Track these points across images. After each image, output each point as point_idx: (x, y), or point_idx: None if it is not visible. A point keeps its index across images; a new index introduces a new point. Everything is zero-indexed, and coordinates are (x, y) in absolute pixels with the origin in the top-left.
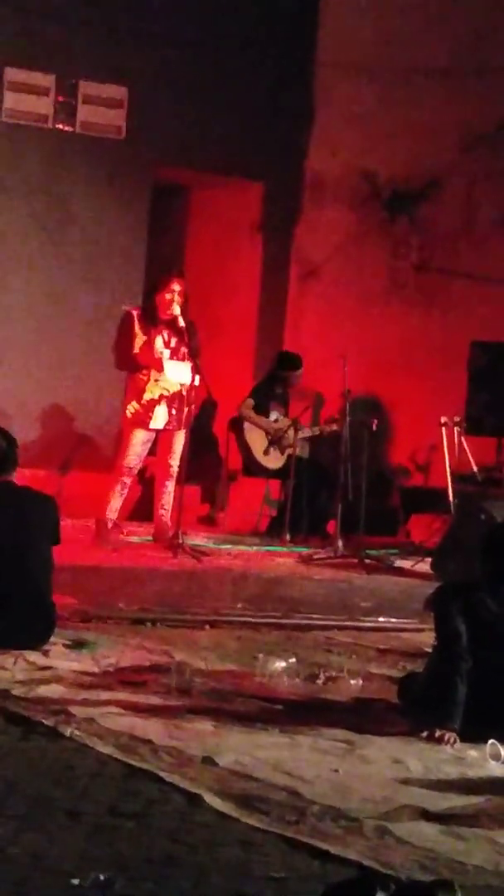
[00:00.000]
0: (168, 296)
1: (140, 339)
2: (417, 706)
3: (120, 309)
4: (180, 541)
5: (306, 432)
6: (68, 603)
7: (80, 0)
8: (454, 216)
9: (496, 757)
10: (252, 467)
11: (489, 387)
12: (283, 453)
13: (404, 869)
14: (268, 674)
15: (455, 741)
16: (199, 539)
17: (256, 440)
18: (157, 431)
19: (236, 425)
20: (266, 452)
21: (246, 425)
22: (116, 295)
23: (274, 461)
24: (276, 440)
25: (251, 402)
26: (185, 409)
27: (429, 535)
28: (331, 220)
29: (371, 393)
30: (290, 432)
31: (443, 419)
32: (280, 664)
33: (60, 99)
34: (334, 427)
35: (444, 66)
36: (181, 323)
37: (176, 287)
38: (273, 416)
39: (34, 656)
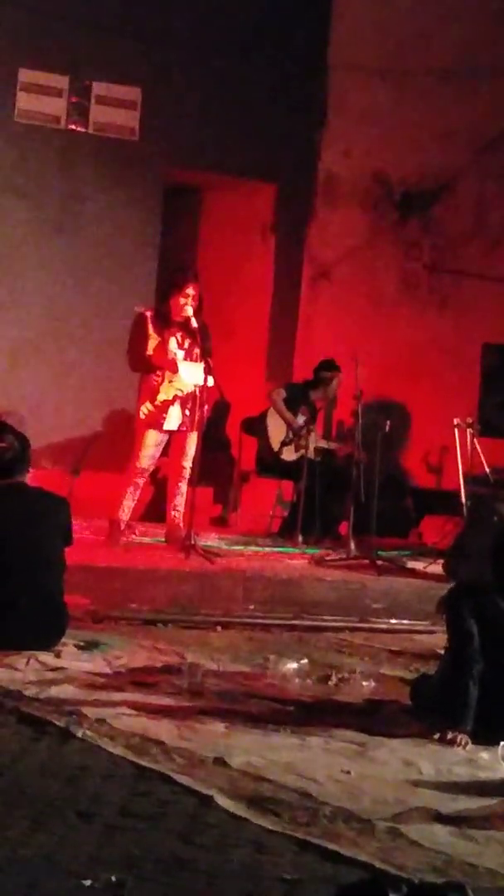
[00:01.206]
0: (182, 299)
1: (153, 341)
2: (429, 708)
3: (133, 310)
4: (192, 542)
5: (321, 443)
6: (80, 603)
7: (92, 1)
8: (466, 218)
9: None
10: (267, 458)
11: (502, 388)
12: (296, 451)
13: (416, 871)
14: (279, 675)
15: (467, 743)
16: (211, 540)
17: (276, 431)
18: (171, 432)
19: (254, 421)
20: (283, 446)
21: (270, 413)
22: (129, 296)
23: (289, 454)
24: (294, 438)
25: (283, 392)
26: (198, 411)
27: (441, 537)
28: (343, 222)
29: (383, 394)
30: (307, 436)
31: (455, 421)
32: (292, 665)
33: (73, 100)
34: (348, 449)
35: (456, 67)
36: (194, 324)
37: (190, 291)
38: (300, 419)
39: (46, 657)
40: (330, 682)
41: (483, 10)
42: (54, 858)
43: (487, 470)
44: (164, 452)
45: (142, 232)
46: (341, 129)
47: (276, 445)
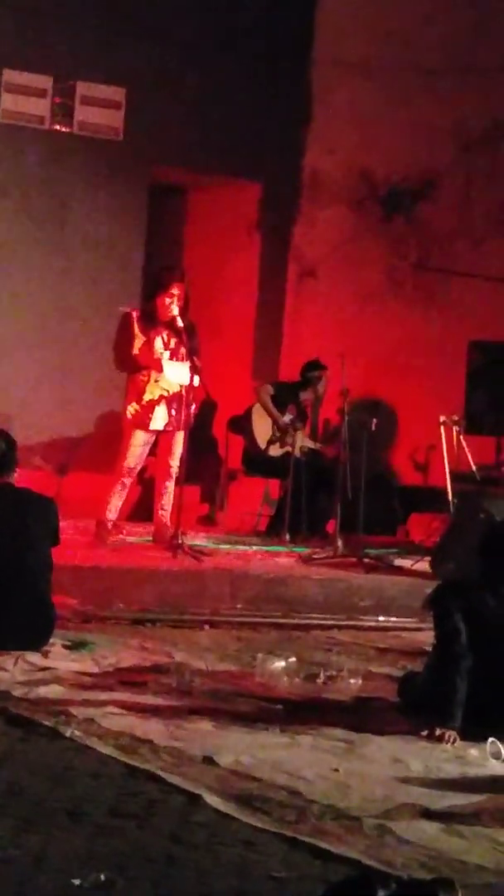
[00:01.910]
0: (168, 298)
1: (139, 340)
2: (417, 705)
3: (118, 309)
4: (180, 541)
5: (308, 442)
6: (68, 603)
7: (77, 1)
8: (452, 215)
9: (496, 755)
10: (253, 454)
11: (488, 386)
12: (282, 448)
13: (405, 867)
14: (267, 673)
15: (455, 740)
16: (198, 539)
17: (262, 427)
18: (157, 432)
19: (240, 419)
20: (269, 444)
21: (255, 410)
22: (115, 295)
23: (274, 450)
24: (281, 436)
25: (271, 389)
26: (185, 410)
27: (428, 535)
28: (328, 220)
29: (370, 392)
30: (293, 433)
31: (441, 418)
32: (280, 664)
33: (58, 100)
34: (331, 452)
35: (441, 65)
36: (180, 323)
37: (175, 290)
38: (287, 417)
39: (34, 657)
40: (318, 681)
41: (468, 8)
42: (44, 858)
43: (473, 467)
44: (152, 452)
45: (127, 231)
46: (326, 127)
47: (262, 443)
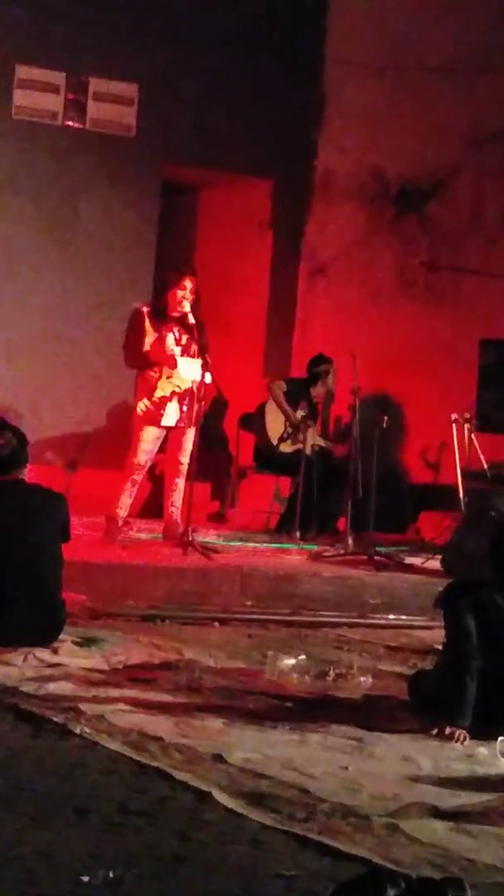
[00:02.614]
0: (180, 293)
1: (150, 337)
2: (428, 703)
3: (129, 306)
4: (190, 538)
5: (319, 440)
6: (78, 600)
7: None
8: (463, 214)
9: None
10: (264, 451)
11: (499, 384)
12: (294, 444)
13: (414, 866)
14: (277, 671)
15: (465, 738)
16: (208, 536)
17: (274, 424)
18: (168, 429)
19: (251, 416)
20: (281, 440)
21: (268, 406)
22: (125, 292)
23: (286, 446)
24: (293, 433)
25: (284, 385)
26: (196, 406)
27: (439, 533)
28: (340, 218)
29: (381, 390)
30: (305, 430)
31: (453, 416)
32: (290, 661)
33: (70, 96)
34: (342, 452)
35: (452, 64)
36: (191, 320)
37: (188, 284)
38: (299, 413)
39: (44, 653)
40: (328, 678)
41: (479, 6)
42: (52, 855)
43: (485, 465)
44: (162, 448)
45: (139, 228)
46: (338, 125)
47: (274, 439)
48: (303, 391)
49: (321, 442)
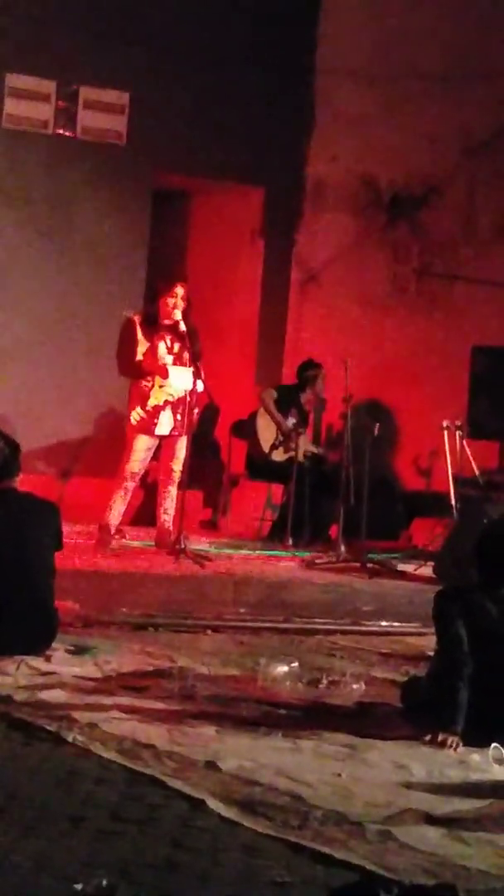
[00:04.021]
0: (170, 301)
1: (143, 345)
2: (420, 710)
3: (121, 314)
4: (182, 546)
5: (310, 447)
6: (70, 608)
7: (80, 6)
8: (455, 221)
9: (499, 760)
10: (257, 459)
11: (491, 391)
12: (286, 452)
13: (407, 873)
14: (270, 678)
15: (458, 745)
16: (201, 544)
17: (266, 432)
18: (162, 437)
19: (243, 424)
20: (273, 448)
21: (260, 414)
22: (117, 301)
23: (278, 455)
24: (284, 440)
25: (274, 393)
26: (189, 415)
27: (431, 540)
28: (331, 225)
29: (373, 397)
30: (297, 438)
31: (444, 423)
32: (282, 668)
33: (61, 105)
34: (334, 458)
35: (444, 71)
36: (183, 328)
37: (178, 292)
38: (290, 420)
39: (36, 662)
40: (321, 685)
41: (470, 14)
42: (45, 863)
43: (476, 472)
44: (155, 457)
45: (130, 236)
46: (329, 132)
47: (266, 447)
48: (293, 397)
49: (313, 448)
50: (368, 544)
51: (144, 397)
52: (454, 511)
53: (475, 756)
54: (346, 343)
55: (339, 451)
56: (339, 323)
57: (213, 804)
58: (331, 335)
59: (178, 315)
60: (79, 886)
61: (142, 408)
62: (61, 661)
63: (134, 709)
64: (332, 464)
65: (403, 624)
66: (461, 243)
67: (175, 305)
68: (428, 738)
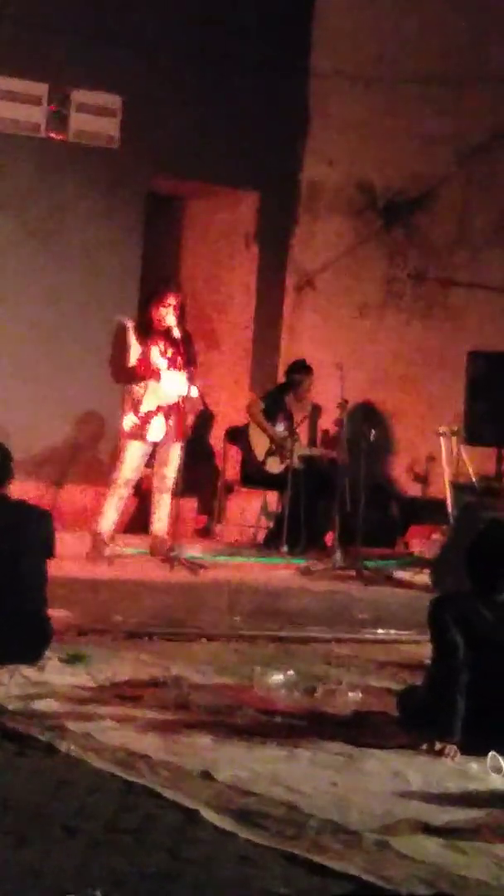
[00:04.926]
0: (163, 309)
1: (136, 351)
2: (417, 719)
3: (115, 320)
4: (177, 553)
5: (304, 451)
6: (64, 617)
7: (72, 8)
8: (450, 226)
9: (497, 769)
10: (252, 471)
11: (487, 396)
12: (282, 461)
13: (405, 883)
14: (266, 687)
15: (456, 754)
16: (195, 551)
17: (260, 442)
18: (155, 444)
19: (237, 431)
20: (267, 457)
21: (252, 426)
22: (111, 306)
23: (274, 466)
24: (277, 449)
25: (261, 403)
26: (182, 421)
27: (427, 546)
28: (326, 230)
29: (368, 403)
30: (289, 443)
31: (441, 429)
32: (278, 677)
33: (53, 108)
34: (332, 454)
35: (439, 75)
36: (176, 333)
37: (171, 301)
38: (279, 427)
39: (29, 671)
40: (316, 694)
41: (465, 18)
42: (39, 873)
43: (473, 478)
44: (148, 464)
45: (124, 241)
46: (324, 137)
47: (260, 456)
48: (280, 402)
49: (307, 451)
50: (364, 551)
51: (137, 403)
52: (451, 518)
53: (473, 765)
54: (342, 348)
55: (335, 452)
56: (334, 328)
57: (208, 814)
58: (326, 340)
59: (171, 321)
60: None
61: (134, 413)
62: (55, 671)
63: (128, 718)
64: (328, 462)
65: (400, 632)
66: (457, 247)
67: (168, 312)
68: (425, 746)
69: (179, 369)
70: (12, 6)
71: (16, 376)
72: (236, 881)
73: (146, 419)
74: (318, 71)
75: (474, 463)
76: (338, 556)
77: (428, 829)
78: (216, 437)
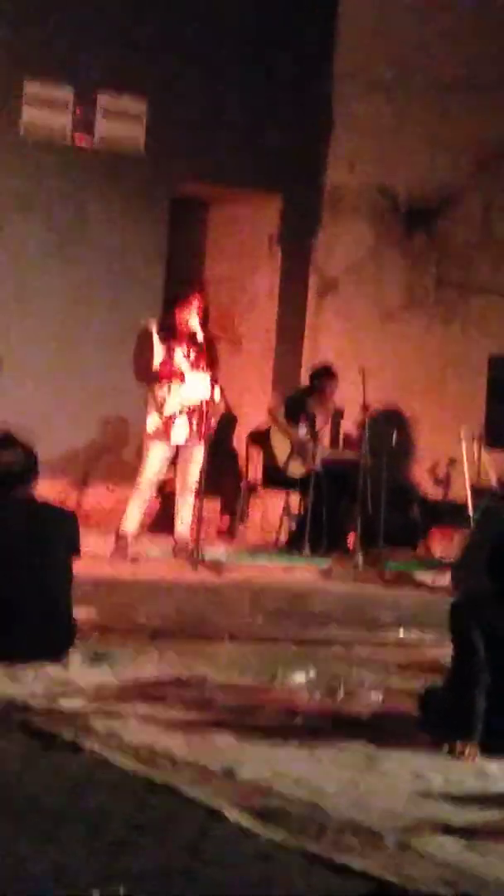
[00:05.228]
0: (187, 310)
1: (159, 353)
2: (438, 720)
3: (140, 323)
4: (200, 554)
5: (325, 453)
6: (88, 616)
7: (98, 13)
8: (472, 231)
9: None
10: (274, 474)
11: None
12: (304, 465)
13: (425, 884)
14: (288, 688)
15: (476, 755)
16: (218, 553)
17: (281, 447)
18: (178, 446)
19: (260, 434)
20: (289, 461)
21: (274, 429)
22: (135, 309)
23: (296, 470)
24: (299, 452)
25: (282, 409)
26: (205, 423)
27: (449, 549)
28: (349, 234)
29: (390, 407)
30: (311, 445)
31: (462, 433)
32: (300, 678)
33: (79, 113)
34: (354, 457)
35: (461, 81)
36: (200, 337)
37: (195, 303)
38: (301, 429)
39: (54, 670)
40: (338, 695)
41: (489, 22)
42: (62, 871)
43: (494, 482)
44: (172, 465)
45: (148, 244)
46: (347, 141)
47: (282, 460)
48: (302, 403)
49: (328, 454)
50: (386, 553)
51: (160, 405)
52: (472, 520)
53: (493, 766)
54: (364, 352)
55: (357, 455)
56: (356, 332)
57: (230, 813)
58: (348, 344)
59: (195, 324)
60: (96, 894)
61: (158, 416)
62: (79, 670)
63: (151, 717)
64: (351, 462)
65: (421, 634)
66: (479, 253)
67: (192, 315)
68: (446, 748)
69: (203, 372)
70: (39, 12)
71: (41, 378)
72: (258, 880)
73: (169, 421)
74: (340, 76)
75: (495, 466)
76: (360, 557)
77: (448, 830)
78: (239, 439)
